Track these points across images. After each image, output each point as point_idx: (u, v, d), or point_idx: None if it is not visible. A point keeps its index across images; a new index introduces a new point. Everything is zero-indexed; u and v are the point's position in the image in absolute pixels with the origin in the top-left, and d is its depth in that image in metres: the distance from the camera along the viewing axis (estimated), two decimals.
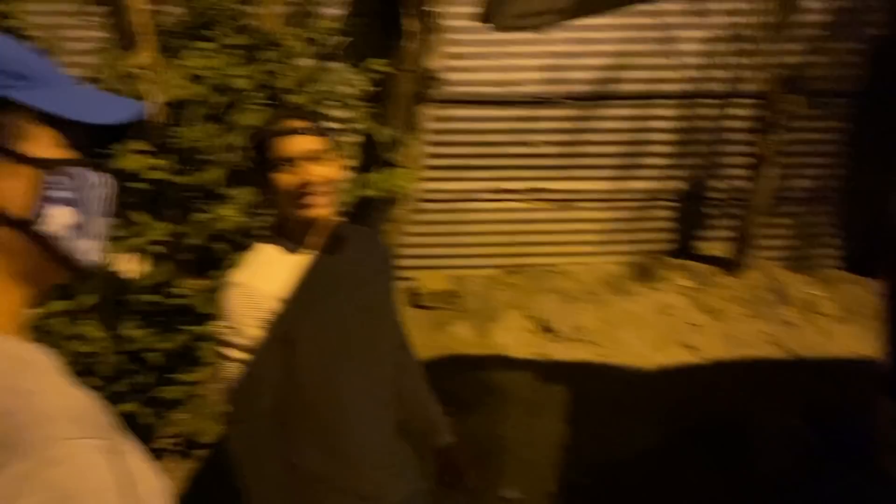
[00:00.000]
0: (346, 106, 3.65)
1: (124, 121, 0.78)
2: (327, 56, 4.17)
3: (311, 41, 3.72)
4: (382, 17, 4.12)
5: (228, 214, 2.93)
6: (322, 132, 1.51)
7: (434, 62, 4.05)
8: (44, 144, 0.73)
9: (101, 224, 0.80)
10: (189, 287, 3.06)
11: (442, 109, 4.31)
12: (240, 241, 3.36)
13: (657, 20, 4.32)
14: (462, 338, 4.09)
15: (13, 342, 0.70)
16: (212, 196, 3.15)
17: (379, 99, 4.00)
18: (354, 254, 1.57)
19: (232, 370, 1.44)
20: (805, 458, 3.16)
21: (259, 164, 1.47)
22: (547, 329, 4.14)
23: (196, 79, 3.01)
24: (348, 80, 3.62)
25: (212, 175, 2.96)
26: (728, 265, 4.54)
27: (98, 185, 0.79)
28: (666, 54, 4.39)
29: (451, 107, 4.34)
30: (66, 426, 0.62)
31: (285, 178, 1.43)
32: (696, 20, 4.35)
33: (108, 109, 0.78)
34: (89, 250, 0.78)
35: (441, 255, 4.58)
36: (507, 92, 4.38)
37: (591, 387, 3.72)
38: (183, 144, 2.97)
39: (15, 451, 0.59)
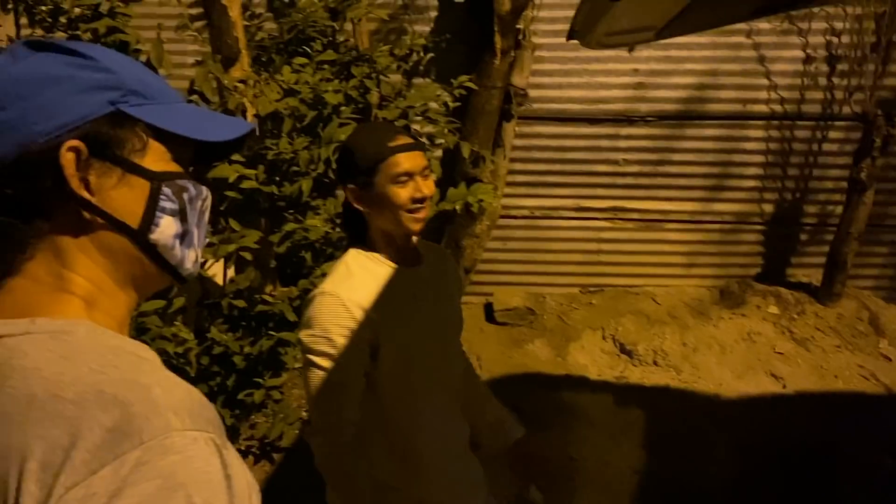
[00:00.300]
0: (430, 121, 3.70)
1: (230, 139, 0.83)
2: (414, 72, 4.25)
3: (398, 57, 3.79)
4: (469, 34, 4.17)
5: (315, 225, 3.00)
6: (425, 148, 1.57)
7: (521, 79, 4.06)
8: (155, 158, 0.78)
9: (201, 234, 0.85)
10: (274, 294, 3.15)
11: (526, 126, 4.31)
12: (324, 251, 3.44)
13: (750, 40, 4.22)
14: (539, 356, 4.06)
15: (128, 340, 0.75)
16: (299, 206, 3.24)
17: (463, 114, 4.03)
18: (432, 269, 1.64)
19: (318, 379, 1.48)
20: (893, 498, 3.00)
21: (367, 177, 1.51)
22: (626, 351, 4.07)
23: (289, 93, 3.10)
24: (434, 95, 3.67)
25: (300, 186, 3.04)
26: (818, 293, 4.36)
27: (200, 197, 0.84)
28: (758, 74, 4.27)
29: (536, 123, 4.33)
30: (179, 418, 0.65)
31: (402, 193, 1.50)
32: (790, 40, 4.22)
33: (215, 127, 0.83)
34: (190, 259, 0.83)
35: (520, 271, 4.56)
36: (592, 109, 4.34)
37: (670, 412, 3.63)
38: (274, 156, 3.07)
39: (132, 439, 0.62)
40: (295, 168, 3.17)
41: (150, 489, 0.60)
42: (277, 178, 3.17)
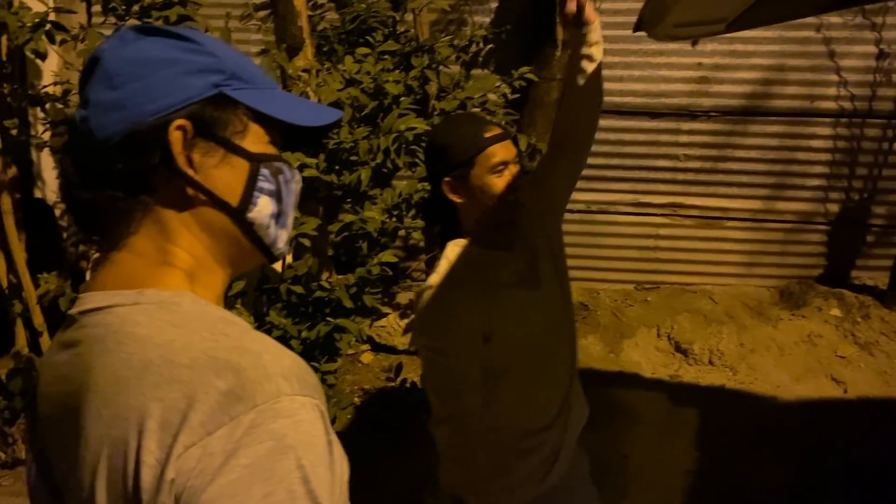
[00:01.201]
0: (488, 112, 3.69)
1: (322, 124, 0.86)
2: (473, 63, 4.24)
3: (458, 48, 3.79)
4: (529, 24, 4.14)
5: (372, 216, 3.03)
6: (514, 137, 1.61)
7: None
8: (255, 140, 0.81)
9: (292, 216, 0.88)
10: (331, 281, 3.19)
11: None
12: (380, 241, 3.47)
13: (820, 34, 4.10)
14: (592, 352, 4.02)
15: (228, 313, 0.78)
16: (357, 196, 3.27)
17: (521, 106, 4.01)
18: (526, 251, 1.65)
19: (438, 371, 1.55)
20: None
21: (464, 169, 1.55)
22: (681, 350, 4.01)
23: (350, 82, 3.13)
24: (493, 86, 3.66)
25: (359, 175, 3.07)
26: (884, 297, 4.21)
27: (294, 180, 0.86)
28: (827, 70, 4.15)
29: None
30: (289, 383, 0.68)
31: (499, 182, 1.54)
32: (863, 34, 4.09)
33: (308, 113, 0.86)
34: (283, 239, 0.86)
35: (574, 266, 4.47)
36: (653, 103, 4.28)
37: (725, 413, 3.57)
38: (334, 145, 3.10)
39: (245, 402, 0.65)
40: (354, 157, 3.20)
41: (262, 451, 0.63)
42: (337, 168, 3.21)
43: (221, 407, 0.65)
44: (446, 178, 1.57)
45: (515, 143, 1.65)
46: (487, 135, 1.56)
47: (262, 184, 0.81)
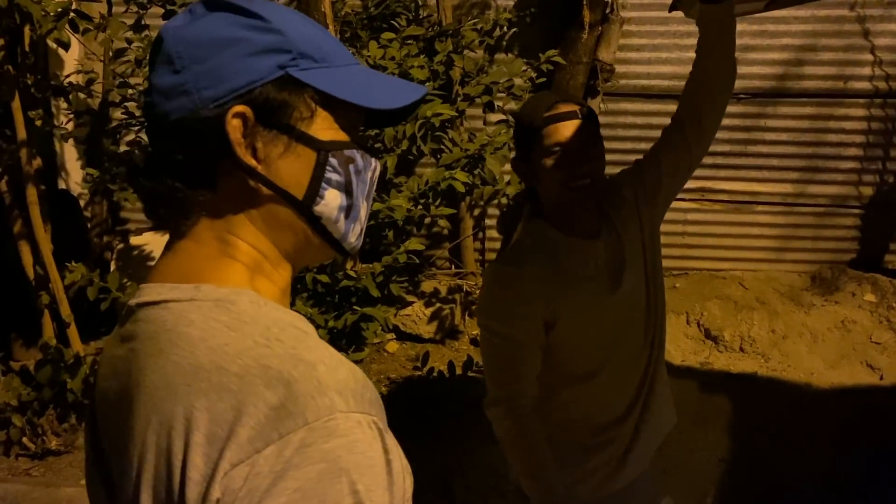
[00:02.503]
0: (514, 97, 3.64)
1: (402, 105, 0.78)
2: (497, 47, 4.18)
3: (483, 32, 3.74)
4: (554, 7, 4.07)
5: (399, 204, 3.00)
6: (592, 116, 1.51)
7: (608, 53, 3.95)
8: (323, 126, 0.74)
9: (367, 207, 0.81)
10: (356, 270, 3.17)
11: (612, 102, 4.19)
12: (406, 229, 3.44)
13: (854, 12, 3.99)
14: None
15: (289, 312, 0.73)
16: (383, 184, 3.24)
17: (547, 89, 3.95)
18: (613, 239, 1.55)
19: (495, 352, 1.49)
20: None
21: (525, 150, 1.48)
22: (711, 337, 3.94)
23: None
24: (518, 70, 3.60)
25: (384, 163, 3.04)
26: None
27: (369, 168, 0.80)
28: (861, 49, 4.04)
29: (622, 100, 4.21)
30: (344, 399, 0.63)
31: (556, 165, 1.43)
32: None
33: (387, 93, 0.78)
34: (355, 233, 0.80)
35: None
36: (681, 86, 4.18)
37: (757, 401, 3.51)
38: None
39: (296, 419, 0.61)
40: (379, 145, 3.17)
41: (314, 473, 0.59)
42: None
43: (271, 422, 0.61)
44: (513, 159, 1.50)
45: (591, 121, 1.49)
46: (548, 113, 1.44)
47: (330, 175, 0.74)
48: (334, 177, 0.75)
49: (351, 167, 0.76)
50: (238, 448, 0.60)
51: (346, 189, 0.76)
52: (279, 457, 0.59)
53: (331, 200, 0.75)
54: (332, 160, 0.74)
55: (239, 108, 0.70)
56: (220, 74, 0.70)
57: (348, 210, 0.77)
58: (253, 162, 0.71)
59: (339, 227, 0.77)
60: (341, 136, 0.76)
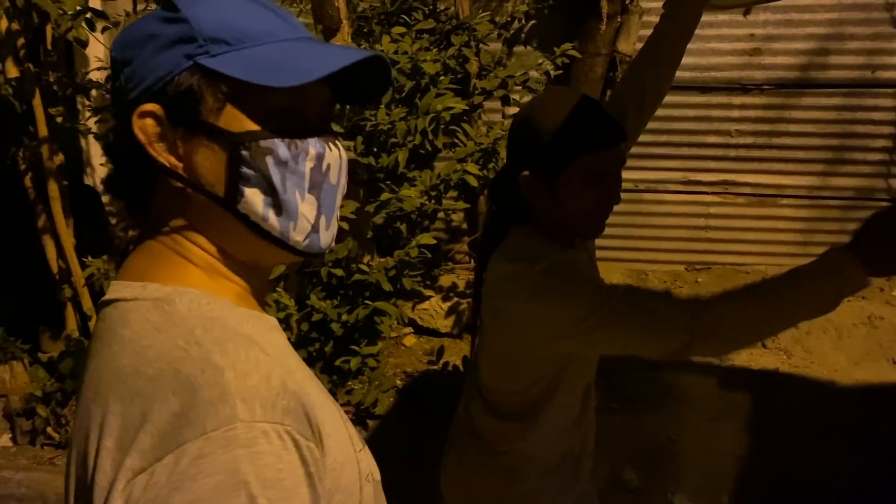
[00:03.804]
0: (531, 91, 3.61)
1: (320, 76, 0.67)
2: (514, 40, 4.15)
3: (499, 25, 3.72)
4: None
5: (409, 195, 3.00)
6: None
7: (627, 45, 3.90)
8: (236, 116, 0.68)
9: (312, 202, 0.72)
10: (371, 264, 3.18)
11: None
12: (419, 223, 3.45)
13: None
14: None
15: (236, 312, 0.70)
16: (396, 178, 3.24)
17: (565, 83, 3.92)
18: (588, 251, 1.53)
19: (627, 316, 1.34)
20: None
21: (550, 167, 1.29)
22: None
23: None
24: (535, 64, 3.58)
25: (396, 157, 3.04)
26: None
27: (299, 157, 0.70)
28: (890, 38, 3.93)
29: None
30: (249, 407, 0.60)
31: (594, 195, 1.30)
32: None
33: (312, 67, 0.68)
34: (298, 231, 0.72)
35: (622, 247, 4.41)
36: (703, 77, 4.13)
37: (779, 397, 3.45)
38: (371, 127, 3.07)
39: (194, 427, 0.58)
40: (392, 139, 3.17)
41: (209, 485, 0.56)
42: (375, 150, 3.18)
43: (172, 430, 0.58)
44: (525, 172, 1.29)
45: (623, 141, 1.31)
46: (589, 136, 1.25)
47: (244, 169, 0.68)
48: (249, 172, 0.68)
49: (269, 159, 0.68)
50: (140, 456, 0.58)
51: (267, 183, 0.69)
52: (176, 467, 0.56)
53: (251, 196, 0.69)
54: (244, 153, 0.67)
55: (147, 106, 0.67)
56: (140, 74, 0.68)
57: (277, 207, 0.70)
58: (173, 161, 0.68)
59: (272, 224, 0.70)
60: (250, 125, 0.68)
